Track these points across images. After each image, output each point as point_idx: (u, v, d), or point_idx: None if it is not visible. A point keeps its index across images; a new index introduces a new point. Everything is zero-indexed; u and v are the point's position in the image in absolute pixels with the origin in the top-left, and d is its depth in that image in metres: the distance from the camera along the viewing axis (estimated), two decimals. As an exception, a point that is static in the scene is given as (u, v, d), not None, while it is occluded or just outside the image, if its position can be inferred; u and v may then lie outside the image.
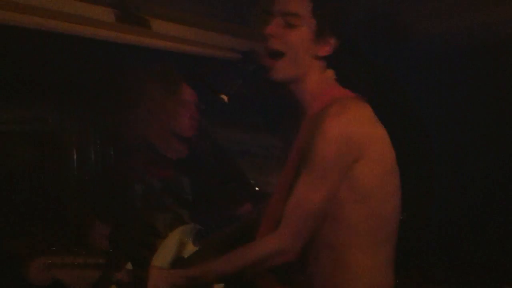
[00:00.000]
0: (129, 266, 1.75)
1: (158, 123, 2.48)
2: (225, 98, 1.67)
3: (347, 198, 1.62)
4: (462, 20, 3.41)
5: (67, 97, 3.48)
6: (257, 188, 3.80)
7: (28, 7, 2.63)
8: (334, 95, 1.69)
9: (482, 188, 3.38)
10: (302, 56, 1.67)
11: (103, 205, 2.58)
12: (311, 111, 1.69)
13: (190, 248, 2.29)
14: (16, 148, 3.31)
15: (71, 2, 2.79)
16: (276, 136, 3.96)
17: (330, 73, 1.74)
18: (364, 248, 1.65)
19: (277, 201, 1.72)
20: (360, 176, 1.61)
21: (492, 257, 3.29)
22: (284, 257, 1.61)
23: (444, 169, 3.53)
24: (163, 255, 2.25)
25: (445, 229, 3.50)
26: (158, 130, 2.49)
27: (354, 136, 1.58)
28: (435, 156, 3.56)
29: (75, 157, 3.62)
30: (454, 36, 3.41)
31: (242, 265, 1.63)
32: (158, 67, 2.59)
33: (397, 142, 1.72)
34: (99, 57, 3.14)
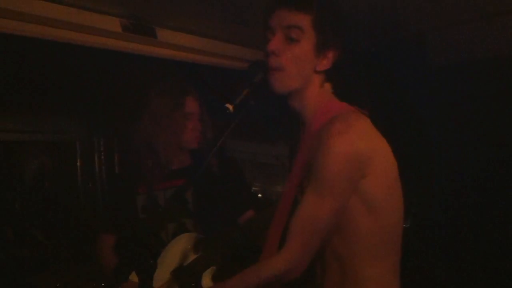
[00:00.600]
0: (134, 276, 1.74)
1: (163, 135, 2.49)
2: (230, 107, 1.66)
3: (357, 211, 1.63)
4: (467, 30, 3.43)
5: (72, 106, 3.51)
6: (259, 195, 3.81)
7: (34, 16, 2.65)
8: (336, 111, 1.69)
9: (481, 189, 3.37)
10: (302, 70, 1.68)
11: (108, 215, 2.59)
12: (313, 126, 1.70)
13: (192, 256, 2.29)
14: (26, 157, 3.34)
15: (78, 12, 2.81)
16: (284, 146, 3.97)
17: (328, 86, 1.75)
18: (373, 260, 1.67)
19: (282, 216, 1.72)
20: (368, 190, 1.62)
21: (491, 258, 3.28)
22: (293, 274, 1.62)
23: (443, 170, 3.55)
24: (165, 263, 2.26)
25: (445, 229, 3.49)
26: (162, 141, 2.49)
27: (360, 152, 1.59)
28: (435, 157, 3.57)
29: (78, 164, 3.64)
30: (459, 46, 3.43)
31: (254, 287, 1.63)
32: (164, 79, 2.60)
33: (398, 147, 1.73)
34: (105, 66, 3.17)
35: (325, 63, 1.69)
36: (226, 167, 2.56)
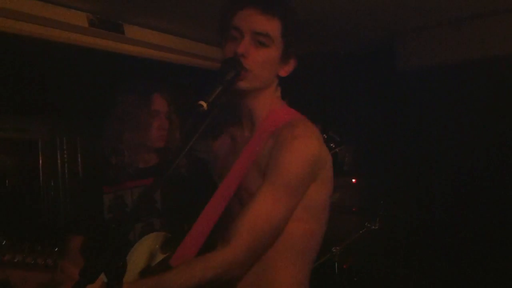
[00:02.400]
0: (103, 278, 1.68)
1: (128, 133, 2.43)
2: (204, 104, 1.62)
3: (297, 217, 1.63)
4: (434, 35, 3.49)
5: (34, 103, 3.41)
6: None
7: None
8: (291, 116, 1.72)
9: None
10: (267, 73, 1.68)
11: (73, 215, 2.52)
12: (266, 128, 1.70)
13: (160, 256, 2.24)
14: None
15: (43, 5, 2.73)
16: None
17: (279, 90, 1.77)
18: (295, 265, 1.67)
19: (212, 215, 1.68)
20: (313, 195, 1.64)
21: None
22: (235, 273, 1.58)
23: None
24: (132, 263, 2.20)
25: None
26: (127, 140, 2.44)
27: (318, 156, 1.63)
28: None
29: (40, 163, 3.55)
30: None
31: (197, 281, 1.53)
32: (130, 76, 2.55)
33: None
34: (70, 63, 3.08)
35: (287, 69, 1.71)
36: (195, 166, 2.52)
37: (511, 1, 3.11)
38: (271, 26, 1.63)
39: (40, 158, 3.55)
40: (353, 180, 3.14)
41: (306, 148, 1.59)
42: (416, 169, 3.57)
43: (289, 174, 1.58)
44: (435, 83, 3.50)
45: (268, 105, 1.73)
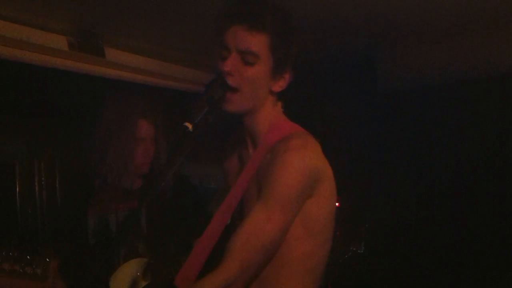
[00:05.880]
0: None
1: (111, 158, 2.40)
2: (189, 126, 1.59)
3: (295, 234, 1.60)
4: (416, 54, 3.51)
5: (10, 125, 3.34)
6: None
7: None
8: (289, 129, 1.69)
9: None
10: (257, 91, 1.66)
11: (51, 238, 2.46)
12: (265, 143, 1.68)
13: (142, 283, 2.19)
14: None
15: (22, 29, 2.69)
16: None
17: (279, 105, 1.75)
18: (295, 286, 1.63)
19: (211, 238, 1.67)
20: (312, 212, 1.60)
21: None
22: None
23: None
24: (114, 289, 2.15)
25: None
26: (110, 164, 2.40)
27: (314, 170, 1.58)
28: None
29: (17, 188, 3.46)
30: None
31: None
32: (114, 99, 2.50)
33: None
34: (48, 83, 3.04)
35: (281, 84, 1.69)
36: (180, 188, 2.49)
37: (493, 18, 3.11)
38: (257, 43, 1.61)
39: (17, 182, 3.46)
40: (336, 204, 3.13)
41: (299, 160, 1.55)
42: (400, 192, 3.57)
43: (282, 188, 1.54)
44: (418, 103, 3.52)
45: (268, 122, 1.70)
